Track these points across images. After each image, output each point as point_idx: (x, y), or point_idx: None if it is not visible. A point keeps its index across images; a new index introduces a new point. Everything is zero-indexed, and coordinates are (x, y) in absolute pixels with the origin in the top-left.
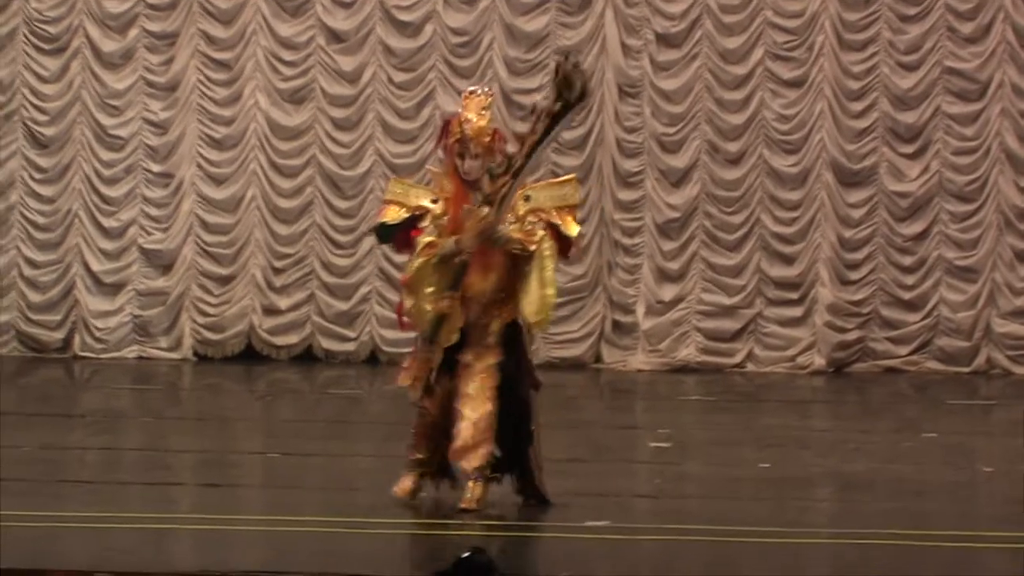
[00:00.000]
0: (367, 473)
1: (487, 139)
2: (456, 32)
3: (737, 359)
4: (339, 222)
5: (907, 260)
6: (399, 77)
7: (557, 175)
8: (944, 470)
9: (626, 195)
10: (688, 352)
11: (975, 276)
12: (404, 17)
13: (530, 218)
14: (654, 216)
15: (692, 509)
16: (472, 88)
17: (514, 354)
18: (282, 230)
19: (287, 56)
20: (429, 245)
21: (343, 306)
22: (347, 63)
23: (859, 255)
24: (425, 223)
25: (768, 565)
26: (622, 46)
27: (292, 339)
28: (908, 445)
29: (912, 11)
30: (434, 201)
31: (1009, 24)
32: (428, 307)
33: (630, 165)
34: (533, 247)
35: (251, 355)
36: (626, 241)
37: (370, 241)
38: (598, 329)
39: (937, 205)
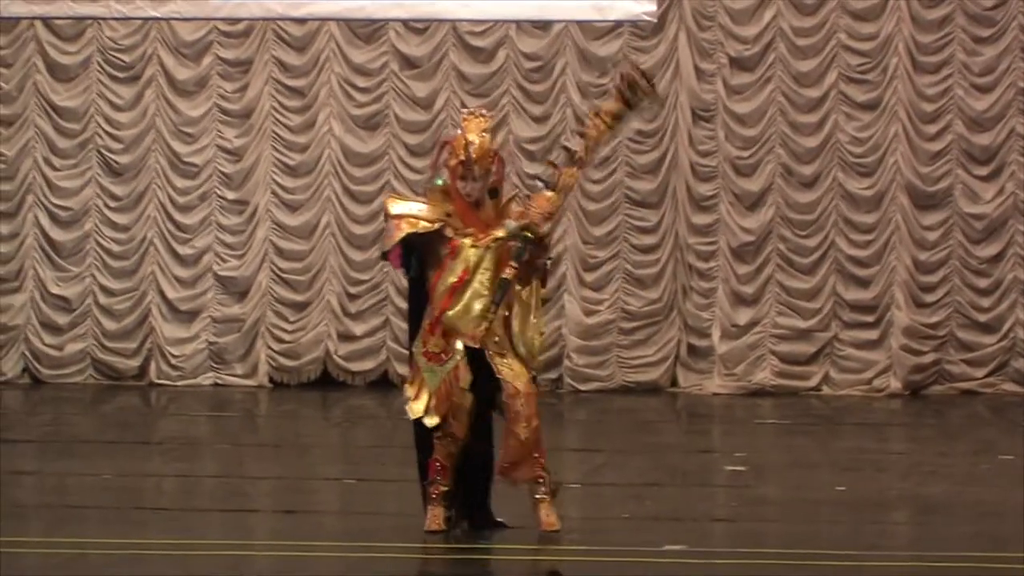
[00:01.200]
0: None
1: (489, 161)
2: (529, 57)
3: (813, 382)
4: None
5: (983, 282)
6: (473, 103)
7: (631, 199)
8: (1022, 492)
9: (700, 219)
10: (764, 375)
11: None
12: (477, 43)
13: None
14: (728, 240)
15: (769, 532)
16: (471, 109)
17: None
18: (356, 256)
19: (360, 83)
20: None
21: None
22: (420, 89)
23: (934, 277)
24: (449, 232)
25: None
26: (695, 70)
27: (368, 365)
28: (986, 467)
29: (986, 33)
30: (448, 215)
31: None
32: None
33: (704, 189)
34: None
35: (327, 381)
36: (701, 265)
37: None
38: (674, 353)
39: (1012, 227)
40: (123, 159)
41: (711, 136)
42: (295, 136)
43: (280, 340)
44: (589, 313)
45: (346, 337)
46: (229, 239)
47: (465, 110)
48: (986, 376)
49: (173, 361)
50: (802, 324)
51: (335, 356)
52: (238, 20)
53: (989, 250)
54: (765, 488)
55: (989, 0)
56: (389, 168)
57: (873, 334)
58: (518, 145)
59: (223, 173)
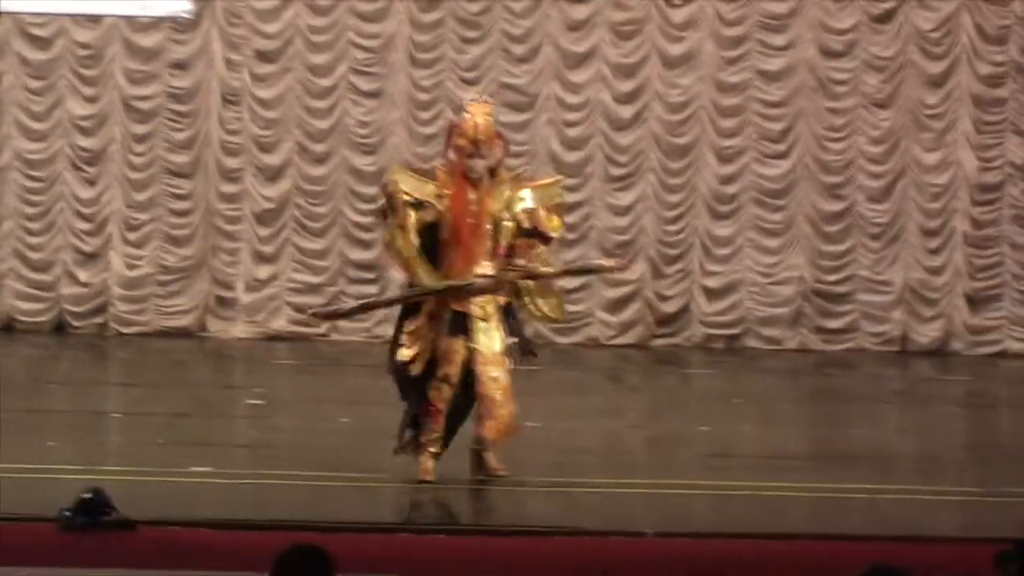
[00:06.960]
0: None
1: (492, 141)
2: (83, 46)
3: (322, 329)
4: None
5: None
6: (34, 85)
7: (168, 170)
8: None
9: (228, 188)
10: (280, 323)
11: None
12: (38, 32)
13: (522, 219)
14: (252, 206)
15: (283, 456)
16: (474, 96)
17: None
18: None
19: None
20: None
21: None
22: None
23: None
24: (432, 215)
25: (350, 501)
26: (225, 60)
27: None
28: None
29: (473, 35)
30: (439, 196)
31: (553, 45)
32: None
33: (232, 162)
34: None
35: None
36: (228, 228)
37: (9, 224)
38: (204, 303)
39: None
40: None
41: (238, 117)
42: None
43: None
44: (131, 267)
45: None
46: None
47: (469, 97)
48: None
49: None
50: (314, 279)
51: None
52: None
53: None
54: (281, 419)
55: (476, 6)
56: None
57: (374, 289)
58: (71, 122)
59: None
